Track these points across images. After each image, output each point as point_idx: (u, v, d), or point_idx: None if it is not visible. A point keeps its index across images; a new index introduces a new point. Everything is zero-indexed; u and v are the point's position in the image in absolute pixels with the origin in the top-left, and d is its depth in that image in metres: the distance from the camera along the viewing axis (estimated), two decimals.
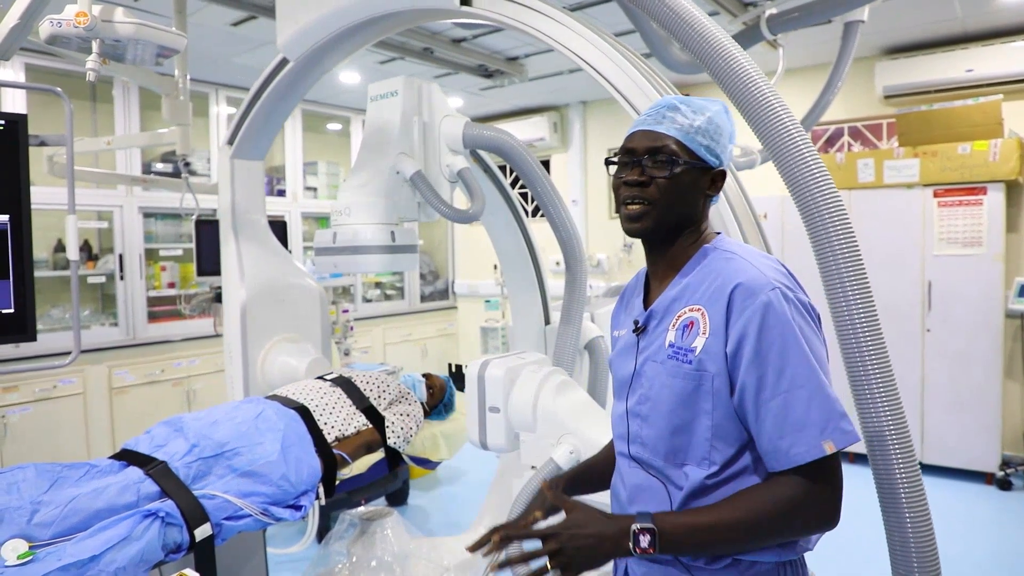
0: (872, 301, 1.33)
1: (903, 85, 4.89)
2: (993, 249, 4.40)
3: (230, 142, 2.99)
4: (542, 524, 1.21)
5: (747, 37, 3.13)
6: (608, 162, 1.31)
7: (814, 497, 1.09)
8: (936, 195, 4.54)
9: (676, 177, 1.22)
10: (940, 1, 4.08)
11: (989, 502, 4.23)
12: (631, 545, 1.09)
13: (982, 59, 4.62)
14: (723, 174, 1.27)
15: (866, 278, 1.34)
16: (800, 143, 1.40)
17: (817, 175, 1.37)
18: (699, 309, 1.18)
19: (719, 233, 1.31)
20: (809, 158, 1.38)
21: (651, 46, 3.25)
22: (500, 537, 1.20)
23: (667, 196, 1.22)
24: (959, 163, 4.44)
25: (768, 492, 1.11)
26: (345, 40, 2.59)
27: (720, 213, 1.80)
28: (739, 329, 1.13)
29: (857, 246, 1.35)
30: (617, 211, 1.29)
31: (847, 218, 1.36)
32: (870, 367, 1.31)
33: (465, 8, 2.13)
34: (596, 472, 1.49)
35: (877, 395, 1.31)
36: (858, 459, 4.83)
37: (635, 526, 1.09)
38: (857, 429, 1.12)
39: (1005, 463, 4.53)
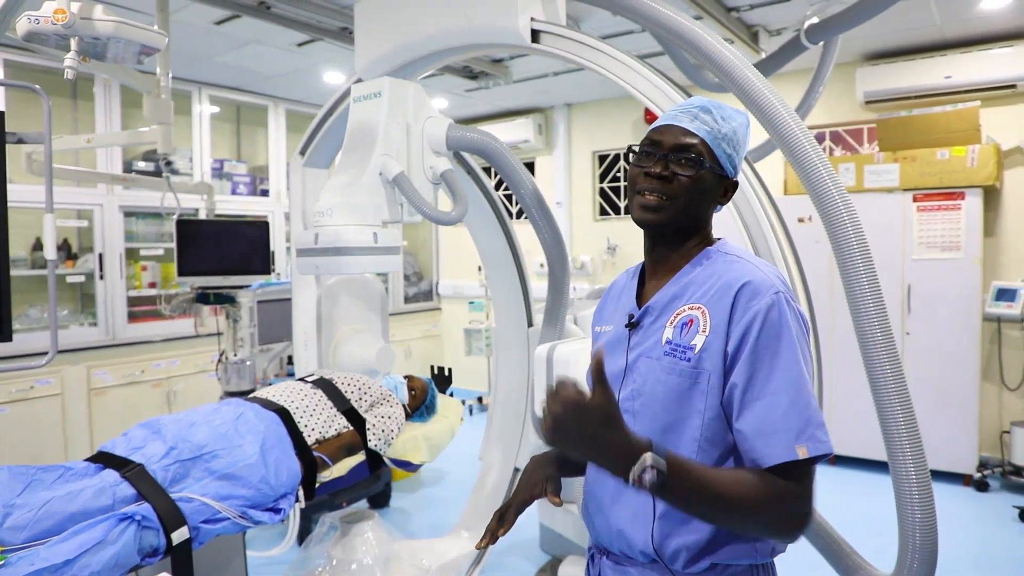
0: (887, 318, 1.68)
1: (883, 91, 4.94)
2: (971, 253, 4.45)
3: (302, 153, 3.15)
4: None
5: (789, 49, 3.16)
6: (631, 149, 1.30)
7: (781, 499, 1.09)
8: (915, 200, 4.59)
9: (699, 178, 1.22)
10: (919, 8, 4.13)
11: (967, 503, 4.28)
12: (632, 471, 1.01)
13: (960, 66, 4.68)
14: (735, 185, 1.28)
15: (880, 295, 1.68)
16: (828, 180, 1.72)
17: (843, 208, 1.70)
18: (699, 308, 1.19)
19: (720, 238, 1.32)
20: (837, 195, 1.71)
21: (682, 68, 3.33)
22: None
23: (686, 195, 1.22)
24: (938, 168, 4.50)
25: (756, 477, 1.10)
26: (416, 65, 2.82)
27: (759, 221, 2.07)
28: (741, 328, 1.13)
29: (876, 279, 1.68)
30: (629, 200, 1.28)
31: (871, 259, 1.69)
32: (888, 375, 1.64)
33: (535, 45, 2.38)
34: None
35: (894, 400, 1.66)
36: (840, 462, 4.87)
37: (649, 455, 1.01)
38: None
39: (982, 465, 4.58)
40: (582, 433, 1.02)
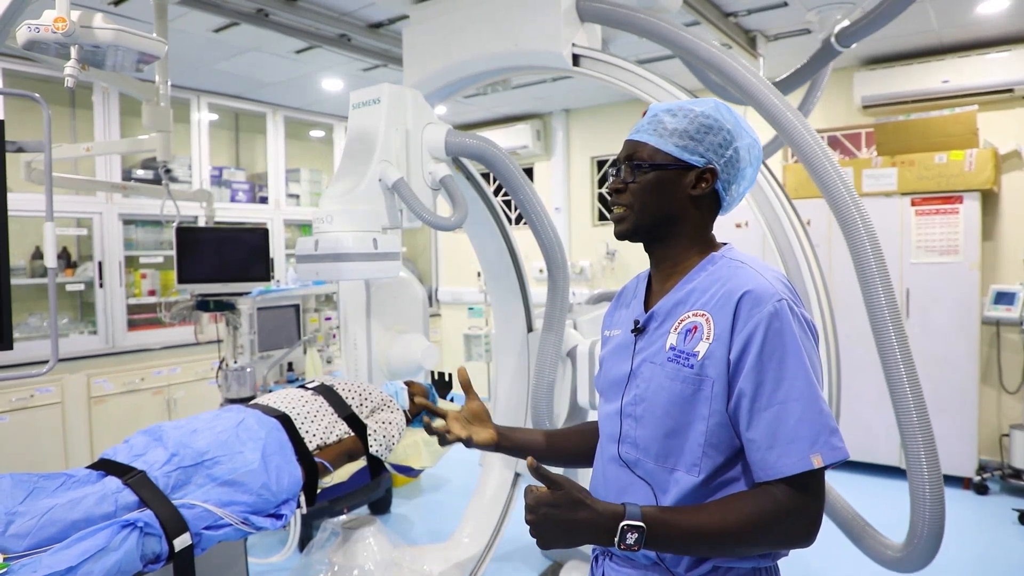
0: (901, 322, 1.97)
1: (881, 95, 4.96)
2: (969, 257, 4.46)
3: None
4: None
5: (821, 56, 3.18)
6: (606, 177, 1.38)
7: (797, 511, 1.10)
8: (914, 204, 4.61)
9: (646, 179, 1.26)
10: (917, 13, 4.15)
11: (967, 507, 4.28)
12: (616, 540, 1.09)
13: (958, 70, 4.70)
14: (711, 171, 1.26)
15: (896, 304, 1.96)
16: (848, 194, 1.99)
17: (863, 221, 1.97)
18: (704, 314, 1.19)
19: (726, 243, 1.32)
20: (858, 213, 1.97)
21: (707, 84, 3.37)
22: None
23: (639, 198, 1.27)
24: (936, 172, 4.51)
25: (753, 502, 1.12)
26: (460, 83, 3.02)
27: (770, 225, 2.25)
28: (744, 336, 1.13)
29: (891, 285, 1.98)
30: None
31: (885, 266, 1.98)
32: (897, 349, 1.92)
33: (576, 68, 2.61)
34: (572, 449, 1.53)
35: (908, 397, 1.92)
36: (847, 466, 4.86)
37: (624, 523, 1.09)
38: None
39: (982, 468, 4.59)
40: (559, 526, 1.10)
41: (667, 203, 1.26)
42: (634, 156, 1.28)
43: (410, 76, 3.06)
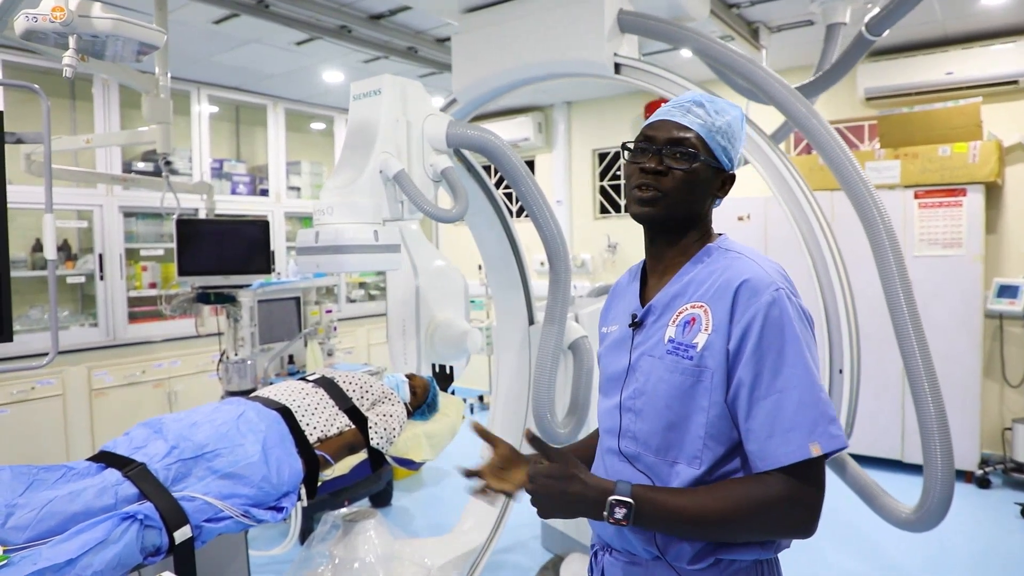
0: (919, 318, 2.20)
1: (884, 87, 4.93)
2: (973, 250, 4.44)
3: None
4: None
5: (855, 48, 3.17)
6: (624, 146, 1.31)
7: (795, 500, 1.09)
8: (917, 196, 4.59)
9: (693, 171, 1.22)
10: (921, 4, 4.11)
11: (969, 500, 4.28)
12: (605, 514, 1.12)
13: (962, 62, 4.67)
14: (733, 178, 1.28)
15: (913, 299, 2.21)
16: (871, 197, 2.25)
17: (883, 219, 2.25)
18: (702, 306, 1.18)
19: (722, 234, 1.31)
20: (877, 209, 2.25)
21: (732, 86, 3.41)
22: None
23: (681, 189, 1.22)
24: (939, 165, 4.49)
25: (750, 489, 1.11)
26: (507, 87, 3.19)
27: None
28: (742, 326, 1.13)
29: (910, 285, 2.20)
30: (626, 196, 1.29)
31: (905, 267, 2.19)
32: (921, 363, 2.16)
33: (616, 76, 2.76)
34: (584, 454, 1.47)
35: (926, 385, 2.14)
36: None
37: (613, 498, 1.12)
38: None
39: (984, 462, 4.58)
40: (554, 496, 1.16)
41: (700, 199, 1.26)
42: (685, 142, 1.22)
43: (458, 81, 3.22)
